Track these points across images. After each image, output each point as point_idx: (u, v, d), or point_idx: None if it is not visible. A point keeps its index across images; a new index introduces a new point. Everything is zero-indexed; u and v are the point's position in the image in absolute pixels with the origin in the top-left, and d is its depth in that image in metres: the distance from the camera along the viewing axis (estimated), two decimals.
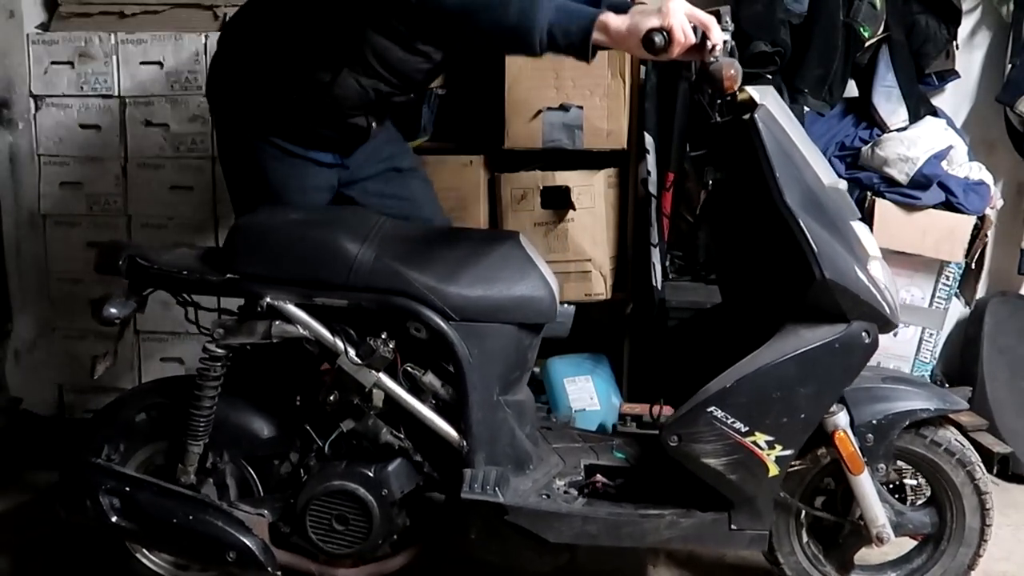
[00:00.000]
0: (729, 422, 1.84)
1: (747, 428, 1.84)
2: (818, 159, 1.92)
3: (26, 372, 3.16)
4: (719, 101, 1.88)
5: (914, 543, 2.11)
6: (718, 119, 1.91)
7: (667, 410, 2.34)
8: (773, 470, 1.87)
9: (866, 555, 2.10)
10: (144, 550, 2.13)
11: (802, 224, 1.80)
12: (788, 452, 1.87)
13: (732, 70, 1.78)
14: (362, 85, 2.07)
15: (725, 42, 1.82)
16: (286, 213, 2.05)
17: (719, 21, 1.84)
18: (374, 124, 2.21)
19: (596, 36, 1.76)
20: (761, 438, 1.85)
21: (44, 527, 2.51)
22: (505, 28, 1.78)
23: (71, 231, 3.05)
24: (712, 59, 1.79)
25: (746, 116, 1.84)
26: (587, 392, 2.79)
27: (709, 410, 1.84)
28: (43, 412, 3.13)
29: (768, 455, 1.86)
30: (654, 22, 1.74)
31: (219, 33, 2.77)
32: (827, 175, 1.90)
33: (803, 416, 1.85)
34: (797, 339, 1.83)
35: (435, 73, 2.20)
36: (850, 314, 1.82)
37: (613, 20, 1.76)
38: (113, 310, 1.97)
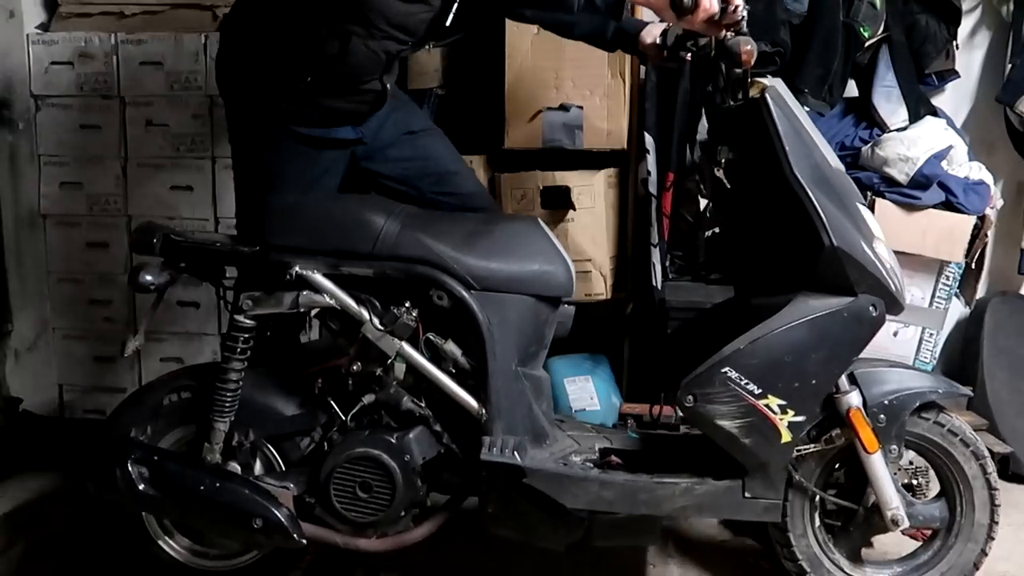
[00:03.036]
0: (743, 383, 1.89)
1: (760, 390, 1.89)
2: (824, 145, 1.99)
3: (26, 372, 3.16)
4: (734, 82, 1.93)
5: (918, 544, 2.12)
6: (730, 103, 1.97)
7: (667, 410, 2.35)
8: (786, 436, 1.91)
9: (872, 554, 2.11)
10: (166, 536, 2.16)
11: (811, 195, 1.88)
12: (800, 418, 1.91)
13: (748, 46, 1.85)
14: (371, 49, 2.08)
15: (742, 18, 1.88)
16: (314, 196, 2.14)
17: None
18: (388, 85, 2.22)
19: None
20: (774, 401, 1.89)
21: (45, 527, 2.52)
22: None
23: (71, 231, 3.05)
24: (730, 34, 1.86)
25: (756, 95, 1.91)
26: (587, 392, 2.79)
27: (724, 370, 1.89)
28: (43, 412, 3.13)
29: (780, 420, 1.90)
30: None
31: (219, 28, 2.79)
32: (833, 160, 1.97)
33: (814, 382, 1.90)
34: (807, 307, 1.89)
35: (437, 24, 2.18)
36: (857, 286, 1.89)
37: None
38: (149, 277, 2.01)
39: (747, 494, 1.95)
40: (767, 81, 1.93)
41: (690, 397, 1.91)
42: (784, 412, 1.89)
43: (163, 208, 2.99)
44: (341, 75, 2.10)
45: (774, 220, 1.96)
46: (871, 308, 1.89)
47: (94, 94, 2.98)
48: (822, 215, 1.86)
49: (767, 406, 1.89)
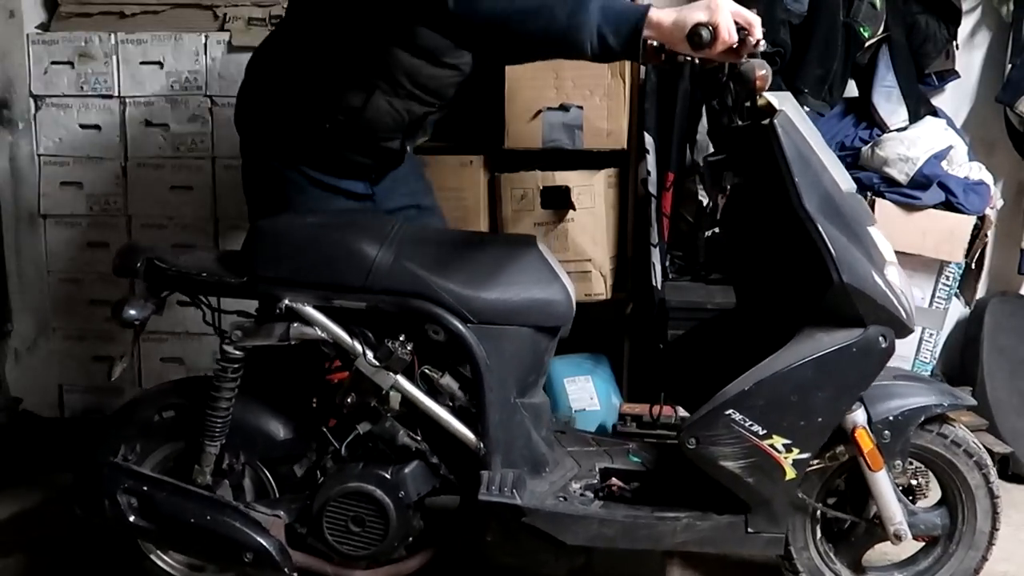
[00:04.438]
0: (747, 425, 1.84)
1: (764, 431, 1.85)
2: (835, 165, 1.92)
3: (26, 372, 3.16)
4: (743, 104, 1.87)
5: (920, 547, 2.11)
6: (738, 123, 1.90)
7: (667, 410, 2.34)
8: (790, 473, 1.87)
9: (872, 556, 2.10)
10: (158, 551, 2.12)
11: (820, 228, 1.80)
12: (805, 455, 1.87)
13: (763, 71, 1.79)
14: (395, 107, 2.04)
15: (759, 41, 1.81)
16: (304, 217, 2.05)
17: None
18: (408, 147, 2.18)
19: (646, 33, 1.73)
20: (778, 441, 1.85)
21: (46, 527, 2.52)
22: (554, 33, 1.74)
23: (71, 231, 3.05)
24: (744, 60, 1.79)
25: (765, 121, 1.84)
26: (587, 392, 2.79)
27: (727, 413, 1.85)
28: (43, 412, 3.13)
29: (785, 458, 1.86)
30: (701, 17, 1.72)
31: (233, 52, 2.85)
32: (844, 181, 1.90)
33: (820, 420, 1.86)
34: (814, 343, 1.83)
35: (466, 86, 2.17)
36: (867, 318, 1.83)
37: (657, 14, 1.73)
38: (133, 312, 1.96)
39: (750, 529, 1.92)
40: (775, 100, 1.85)
41: (693, 440, 1.86)
42: (789, 451, 1.85)
43: (163, 208, 2.99)
44: (359, 128, 2.05)
45: (780, 249, 1.91)
46: (880, 339, 1.83)
47: (94, 94, 2.99)
48: (831, 249, 1.79)
49: (771, 446, 1.85)
